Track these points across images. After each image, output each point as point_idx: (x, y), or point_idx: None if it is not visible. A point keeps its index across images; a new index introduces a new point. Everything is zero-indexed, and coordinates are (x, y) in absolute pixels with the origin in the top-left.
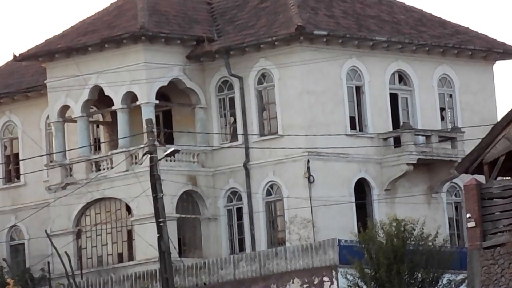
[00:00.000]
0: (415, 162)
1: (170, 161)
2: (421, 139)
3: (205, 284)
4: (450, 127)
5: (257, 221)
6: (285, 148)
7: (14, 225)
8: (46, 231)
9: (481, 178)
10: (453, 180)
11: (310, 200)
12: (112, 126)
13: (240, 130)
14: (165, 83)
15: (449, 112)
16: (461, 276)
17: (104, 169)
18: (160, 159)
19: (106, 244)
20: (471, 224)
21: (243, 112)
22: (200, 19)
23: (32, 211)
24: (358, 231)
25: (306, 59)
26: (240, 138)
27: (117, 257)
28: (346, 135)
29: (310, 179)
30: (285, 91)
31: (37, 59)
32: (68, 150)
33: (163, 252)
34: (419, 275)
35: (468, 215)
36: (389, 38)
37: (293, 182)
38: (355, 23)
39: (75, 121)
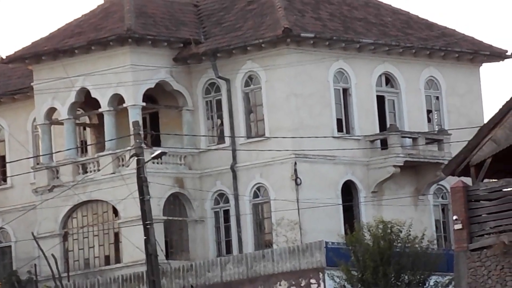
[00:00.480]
0: (401, 164)
1: (157, 163)
2: (408, 141)
3: (192, 286)
4: (436, 129)
5: (244, 223)
6: (272, 151)
7: (0, 228)
8: (32, 233)
9: (468, 180)
10: (440, 182)
11: (297, 202)
12: (98, 128)
13: (227, 132)
14: (152, 86)
15: (435, 114)
16: (448, 278)
17: (91, 172)
18: (147, 162)
19: (93, 246)
20: (458, 226)
21: (230, 114)
22: (187, 21)
23: (19, 213)
24: (345, 233)
25: (293, 62)
26: (227, 141)
27: (104, 259)
28: (333, 137)
29: (297, 181)
30: (272, 94)
31: (24, 61)
32: (55, 153)
33: (150, 254)
34: (406, 277)
35: (454, 217)
36: (376, 41)
37: (280, 184)
38: (342, 25)
39: (62, 124)
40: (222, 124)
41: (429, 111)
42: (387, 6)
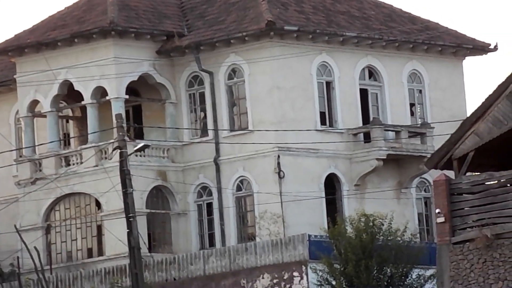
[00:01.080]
0: (384, 157)
1: (140, 156)
2: (391, 134)
3: (174, 279)
4: (419, 122)
5: (227, 217)
6: (255, 144)
7: None
8: (15, 226)
9: (450, 174)
10: (423, 176)
11: (280, 195)
12: (81, 121)
13: (210, 125)
14: (135, 78)
15: (418, 108)
16: (430, 272)
17: (73, 164)
18: (130, 154)
19: (76, 239)
20: (440, 219)
21: (213, 107)
22: (170, 14)
23: (1, 206)
24: (328, 226)
25: (276, 55)
26: (210, 134)
27: (86, 252)
28: (316, 130)
29: (280, 175)
30: (255, 87)
31: (7, 53)
32: (38, 145)
33: (133, 247)
34: (388, 270)
35: (437, 211)
36: (359, 34)
37: (263, 177)
38: (325, 18)
39: (45, 116)
40: (205, 117)
41: (412, 105)
42: None
